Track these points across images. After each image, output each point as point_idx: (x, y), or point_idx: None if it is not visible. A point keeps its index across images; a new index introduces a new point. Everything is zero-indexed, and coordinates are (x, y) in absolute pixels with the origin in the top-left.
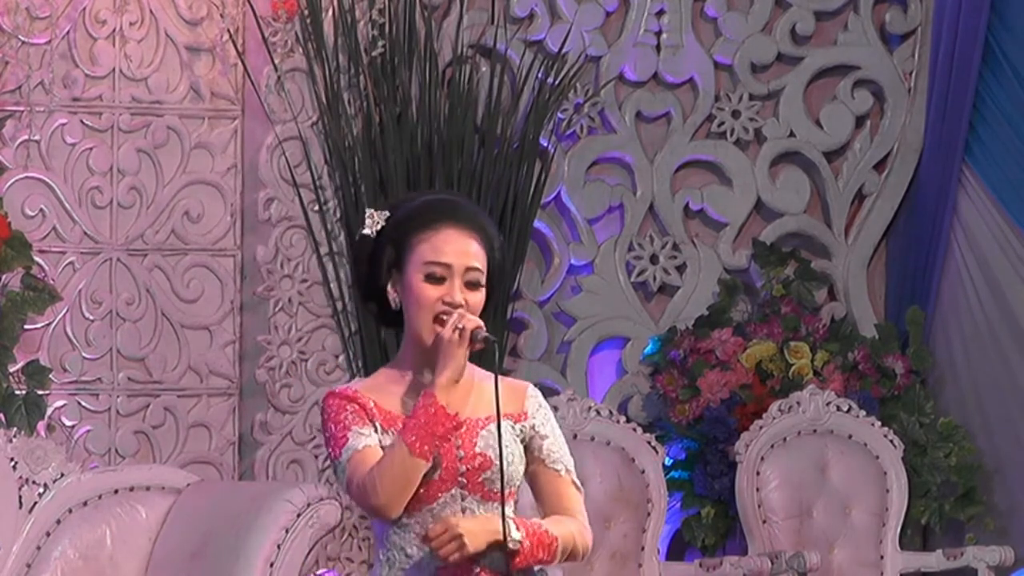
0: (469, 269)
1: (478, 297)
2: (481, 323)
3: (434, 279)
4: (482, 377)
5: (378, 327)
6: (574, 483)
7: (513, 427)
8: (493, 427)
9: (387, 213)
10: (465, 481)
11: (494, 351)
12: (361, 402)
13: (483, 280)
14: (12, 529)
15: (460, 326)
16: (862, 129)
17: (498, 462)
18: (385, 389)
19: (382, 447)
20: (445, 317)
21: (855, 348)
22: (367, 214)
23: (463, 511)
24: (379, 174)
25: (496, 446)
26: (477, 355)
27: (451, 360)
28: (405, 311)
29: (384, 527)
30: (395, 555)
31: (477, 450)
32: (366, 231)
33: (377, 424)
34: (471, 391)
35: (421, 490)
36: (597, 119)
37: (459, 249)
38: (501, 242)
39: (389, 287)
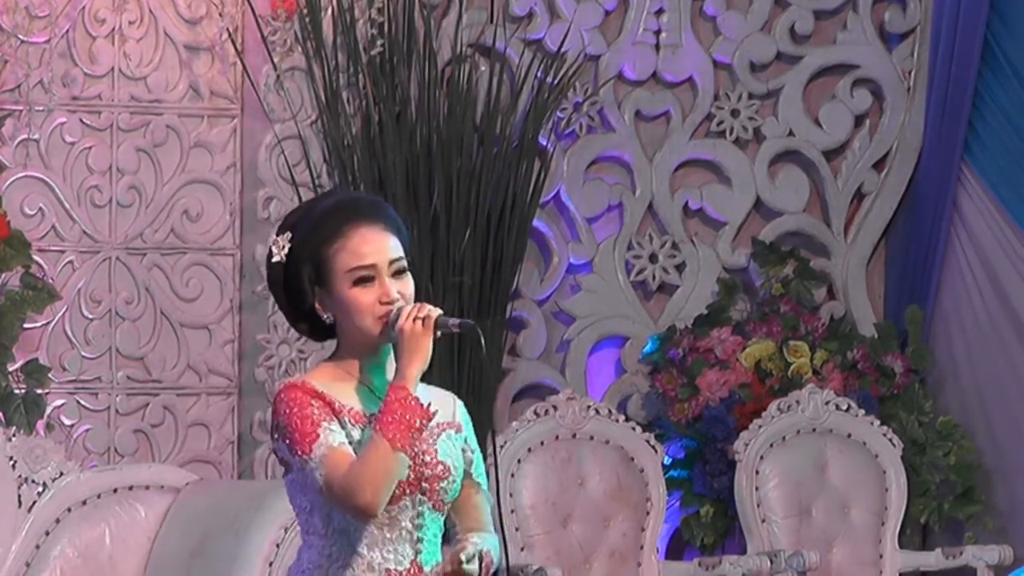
0: (392, 261)
1: (408, 284)
2: (440, 311)
3: (363, 282)
4: (422, 385)
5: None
6: (487, 496)
7: (455, 436)
8: (448, 435)
9: (289, 234)
10: (426, 487)
11: (479, 338)
12: (327, 399)
13: (406, 265)
14: (11, 528)
15: (422, 316)
16: (861, 128)
17: (454, 473)
18: (336, 386)
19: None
20: (389, 316)
21: (854, 347)
22: (272, 241)
23: (417, 516)
24: (378, 173)
25: (454, 456)
26: (442, 346)
27: (418, 351)
28: (341, 323)
29: (329, 519)
30: (341, 550)
31: (440, 457)
32: (275, 259)
33: (345, 420)
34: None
35: None
36: (596, 118)
37: (377, 246)
38: (402, 221)
39: (317, 305)
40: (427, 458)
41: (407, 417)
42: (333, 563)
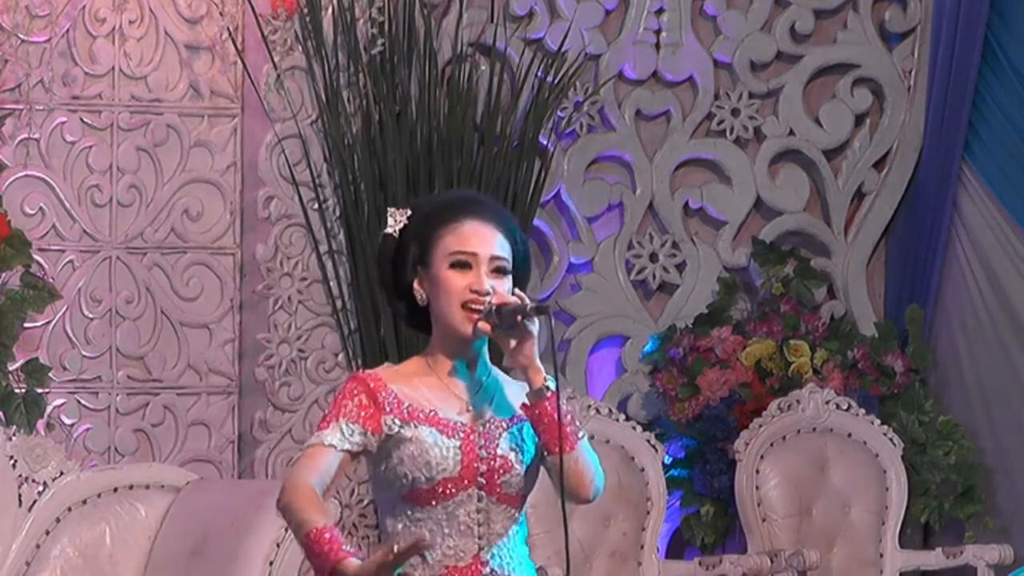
0: (494, 257)
1: (505, 284)
2: (514, 299)
3: (460, 266)
4: (506, 377)
5: (378, 326)
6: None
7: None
8: (517, 429)
9: (408, 212)
10: (484, 482)
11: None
12: (378, 398)
13: (509, 267)
14: (12, 527)
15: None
16: (861, 127)
17: (519, 467)
18: (412, 380)
19: (367, 449)
20: (475, 306)
21: (854, 346)
22: (388, 213)
23: (478, 511)
24: (378, 172)
25: (519, 450)
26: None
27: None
28: (433, 305)
29: (394, 518)
30: None
31: (499, 452)
32: (388, 230)
33: (392, 419)
34: (494, 388)
35: (438, 488)
36: (596, 117)
37: (484, 239)
38: (522, 234)
39: (415, 284)
40: (485, 452)
41: (321, 557)
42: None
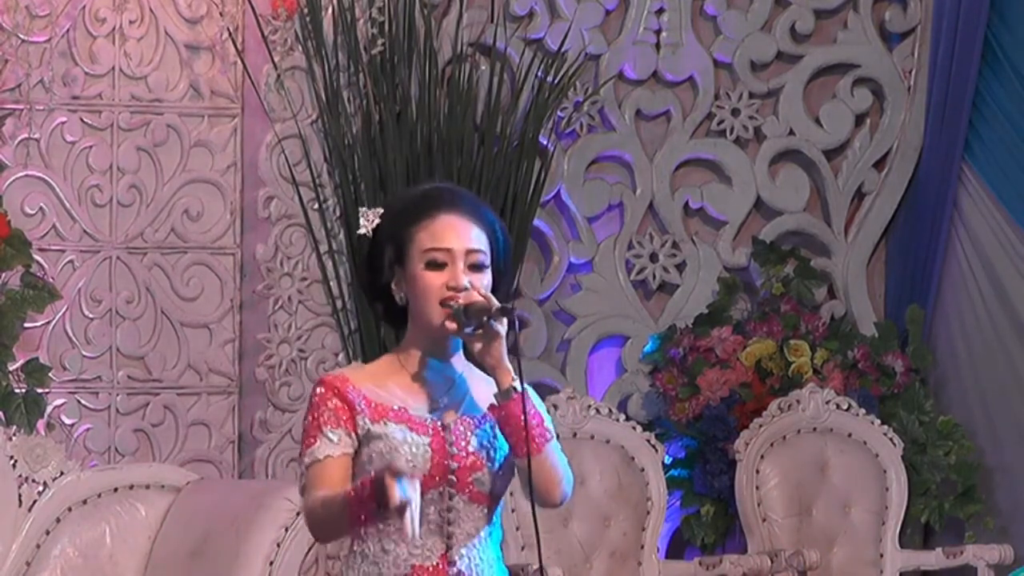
0: (471, 251)
1: (483, 279)
2: (480, 299)
3: (435, 265)
4: (481, 374)
5: (378, 325)
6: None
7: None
8: (490, 427)
9: (381, 210)
10: (455, 479)
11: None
12: (349, 397)
13: (487, 261)
14: (12, 527)
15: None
16: (862, 127)
17: (490, 465)
18: (382, 379)
19: (362, 448)
20: (451, 304)
21: (855, 346)
22: (360, 213)
23: (448, 510)
24: (378, 172)
25: (491, 447)
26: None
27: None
28: (411, 304)
29: None
30: (370, 547)
31: (471, 449)
32: (362, 231)
33: (363, 419)
34: (467, 386)
35: None
36: (597, 117)
37: (458, 233)
38: (503, 226)
39: (393, 285)
40: (455, 449)
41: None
42: (364, 561)
